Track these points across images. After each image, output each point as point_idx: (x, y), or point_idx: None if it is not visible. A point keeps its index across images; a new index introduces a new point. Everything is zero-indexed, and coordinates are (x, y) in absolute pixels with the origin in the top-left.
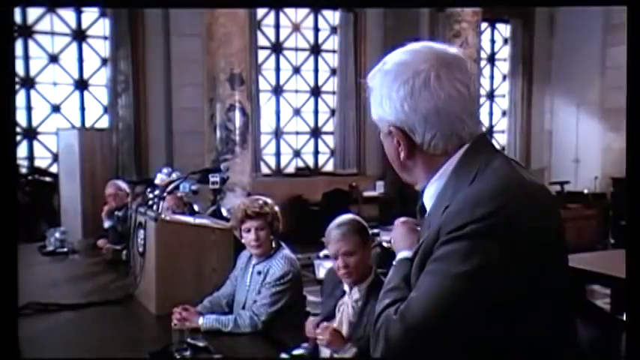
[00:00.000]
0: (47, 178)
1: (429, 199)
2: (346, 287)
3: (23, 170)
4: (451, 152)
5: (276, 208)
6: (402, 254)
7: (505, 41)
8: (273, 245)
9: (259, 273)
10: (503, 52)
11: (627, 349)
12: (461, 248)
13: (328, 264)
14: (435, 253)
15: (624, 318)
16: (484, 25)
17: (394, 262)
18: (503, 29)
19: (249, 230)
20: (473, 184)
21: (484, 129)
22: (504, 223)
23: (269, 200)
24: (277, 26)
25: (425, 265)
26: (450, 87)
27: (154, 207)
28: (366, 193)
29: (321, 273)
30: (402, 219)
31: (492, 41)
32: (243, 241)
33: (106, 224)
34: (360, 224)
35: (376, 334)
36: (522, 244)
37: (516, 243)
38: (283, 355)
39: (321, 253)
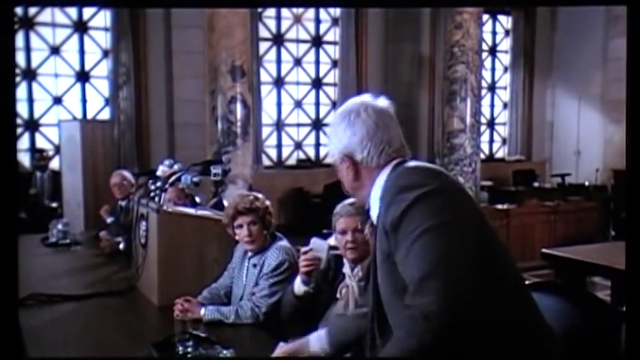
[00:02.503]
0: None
1: (374, 204)
2: (347, 269)
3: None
4: (382, 165)
5: (267, 203)
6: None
7: (507, 33)
8: (268, 238)
9: (255, 266)
10: (505, 44)
11: (626, 338)
12: (413, 216)
13: None
14: (395, 232)
15: (624, 309)
16: (485, 16)
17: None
18: (505, 21)
19: (241, 226)
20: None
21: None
22: (432, 187)
23: (259, 195)
24: (278, 18)
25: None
26: (375, 118)
27: (156, 199)
28: None
29: (321, 264)
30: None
31: (494, 33)
32: (236, 237)
33: (108, 220)
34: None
35: (408, 331)
36: (455, 199)
37: (451, 198)
38: (282, 345)
39: (331, 241)
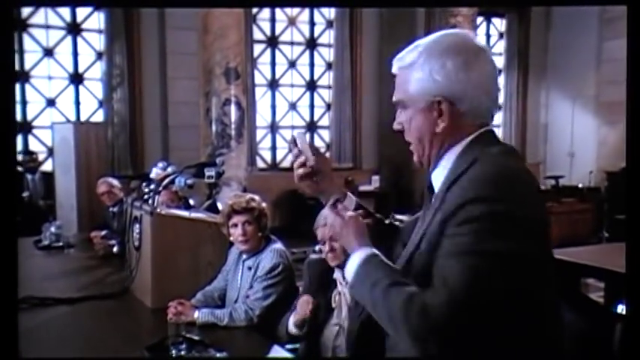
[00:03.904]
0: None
1: (438, 177)
2: (337, 275)
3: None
4: (477, 126)
5: (263, 205)
6: (364, 252)
7: (501, 35)
8: (262, 241)
9: (249, 268)
10: (499, 46)
11: (623, 340)
12: (481, 228)
13: None
14: (452, 230)
15: (618, 311)
16: (480, 19)
17: (357, 261)
18: (499, 23)
19: (236, 225)
20: (475, 167)
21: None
22: (513, 207)
23: (256, 197)
24: (273, 20)
25: (437, 243)
26: (490, 67)
27: (150, 201)
28: (362, 188)
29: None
30: (333, 206)
31: (488, 35)
32: (231, 238)
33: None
34: None
35: (405, 315)
36: (529, 229)
37: (526, 227)
38: (276, 348)
39: (317, 247)
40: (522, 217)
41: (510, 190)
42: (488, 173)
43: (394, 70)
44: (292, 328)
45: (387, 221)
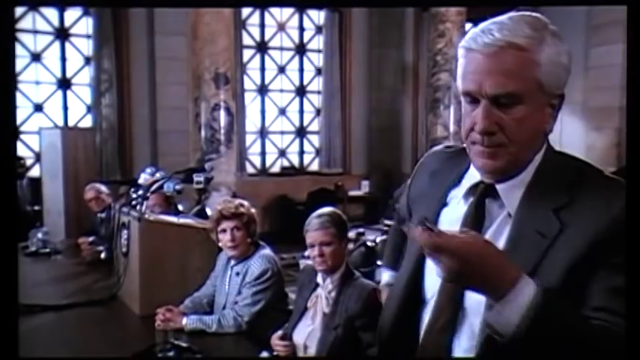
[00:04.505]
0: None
1: (513, 187)
2: (320, 279)
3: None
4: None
5: (253, 210)
6: (532, 282)
7: None
8: (251, 247)
9: (238, 274)
10: None
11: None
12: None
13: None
14: (611, 260)
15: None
16: (468, 25)
17: (532, 295)
18: None
19: (224, 231)
20: (596, 181)
21: None
22: None
23: (245, 202)
24: (262, 25)
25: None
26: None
27: (138, 207)
28: (352, 193)
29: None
30: (467, 234)
31: None
32: (220, 244)
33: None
34: (340, 217)
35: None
36: None
37: None
38: (264, 354)
39: (306, 253)
40: None
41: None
42: (619, 186)
43: (495, 47)
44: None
45: None
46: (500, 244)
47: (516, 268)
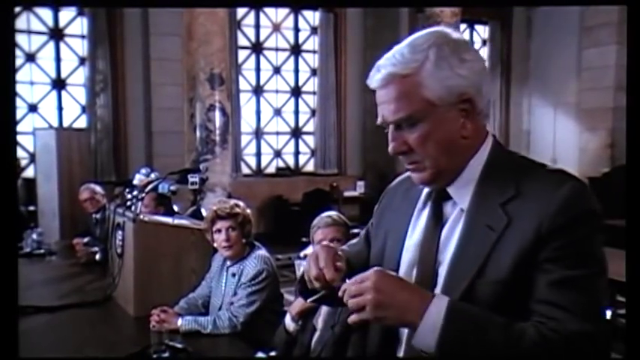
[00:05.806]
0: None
1: (459, 190)
2: None
3: None
4: (485, 132)
5: (248, 211)
6: (440, 300)
7: (484, 42)
8: (246, 248)
9: (234, 275)
10: (482, 54)
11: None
12: (588, 250)
13: None
14: (557, 253)
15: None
16: (463, 26)
17: (440, 313)
18: (482, 31)
19: (219, 231)
20: (541, 179)
21: None
22: (599, 217)
23: (240, 203)
24: (257, 26)
25: (523, 262)
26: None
27: (133, 208)
28: (347, 193)
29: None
30: (374, 272)
31: (471, 42)
32: (215, 244)
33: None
34: (345, 220)
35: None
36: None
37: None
38: (260, 355)
39: (302, 253)
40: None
41: (594, 199)
42: (577, 187)
43: (383, 81)
44: (290, 323)
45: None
46: (454, 239)
47: (423, 294)
